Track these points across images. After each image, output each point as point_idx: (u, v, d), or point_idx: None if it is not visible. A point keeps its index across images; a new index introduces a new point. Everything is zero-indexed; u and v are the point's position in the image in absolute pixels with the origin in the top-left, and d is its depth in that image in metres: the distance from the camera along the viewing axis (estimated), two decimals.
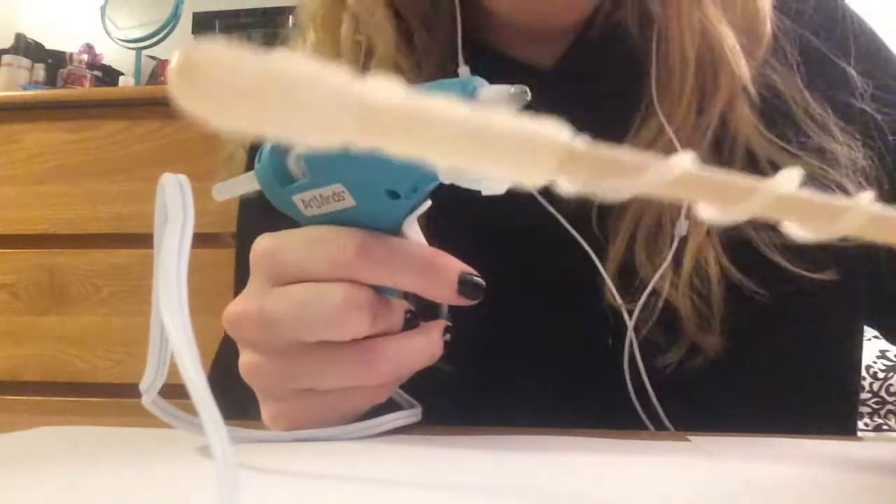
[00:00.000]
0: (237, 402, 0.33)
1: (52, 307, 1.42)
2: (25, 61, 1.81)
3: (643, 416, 0.41)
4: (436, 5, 0.46)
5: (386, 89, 0.10)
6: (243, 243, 0.32)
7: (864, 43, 0.47)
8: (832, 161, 0.41)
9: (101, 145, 1.41)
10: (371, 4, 0.45)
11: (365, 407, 0.32)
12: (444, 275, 0.30)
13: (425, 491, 0.21)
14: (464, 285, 0.30)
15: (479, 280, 0.30)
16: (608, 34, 0.44)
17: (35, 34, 1.93)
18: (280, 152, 0.32)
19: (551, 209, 0.43)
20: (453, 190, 0.29)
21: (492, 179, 0.27)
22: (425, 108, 0.10)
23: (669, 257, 0.41)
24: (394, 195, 0.30)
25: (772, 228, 0.40)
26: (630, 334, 0.41)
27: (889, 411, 1.62)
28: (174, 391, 0.27)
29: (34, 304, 1.43)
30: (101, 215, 1.41)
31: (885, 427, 1.60)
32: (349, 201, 0.30)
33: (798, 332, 0.42)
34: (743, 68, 0.41)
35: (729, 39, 0.41)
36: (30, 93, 1.61)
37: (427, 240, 0.32)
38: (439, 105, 0.10)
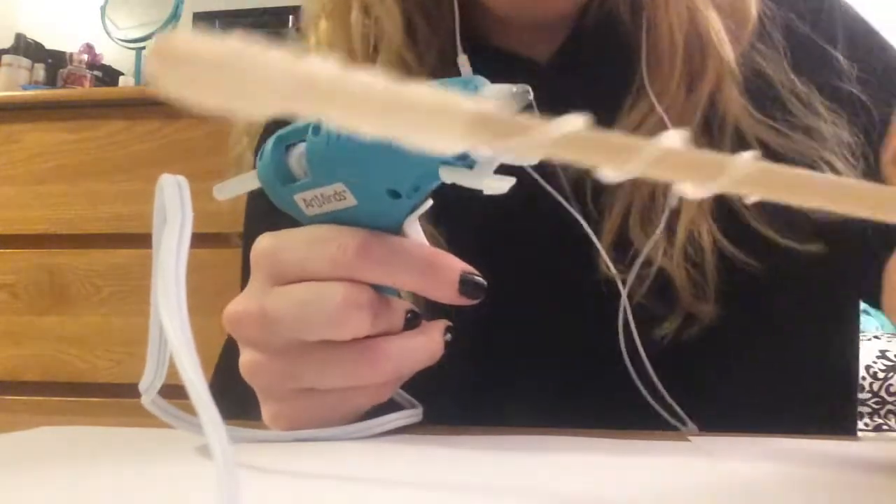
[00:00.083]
0: (240, 403, 0.33)
1: (52, 307, 1.42)
2: (25, 61, 1.81)
3: (641, 389, 0.41)
4: (437, 1, 0.47)
5: (320, 64, 0.12)
6: (249, 243, 0.32)
7: (851, 26, 0.48)
8: (819, 138, 0.43)
9: (101, 145, 1.42)
10: None
11: (366, 406, 0.32)
12: (445, 274, 0.30)
13: (425, 491, 0.21)
14: (465, 285, 0.30)
15: (481, 280, 0.30)
16: (602, 24, 0.46)
17: (35, 34, 1.93)
18: (282, 151, 0.32)
19: (545, 184, 0.43)
20: (455, 189, 0.29)
21: (493, 179, 0.27)
22: (351, 79, 0.12)
23: (661, 226, 0.42)
24: (395, 195, 0.30)
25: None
26: (624, 300, 0.41)
27: (889, 411, 1.62)
28: (174, 391, 0.27)
29: (34, 304, 1.43)
30: (101, 215, 1.41)
31: (885, 427, 1.60)
32: (350, 200, 0.30)
33: (791, 304, 0.43)
34: (729, 51, 0.43)
35: (715, 23, 0.42)
36: (30, 93, 1.61)
37: (427, 239, 0.32)
38: (363, 76, 0.12)
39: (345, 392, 0.31)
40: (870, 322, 1.76)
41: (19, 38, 1.86)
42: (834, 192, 0.15)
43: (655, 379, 0.41)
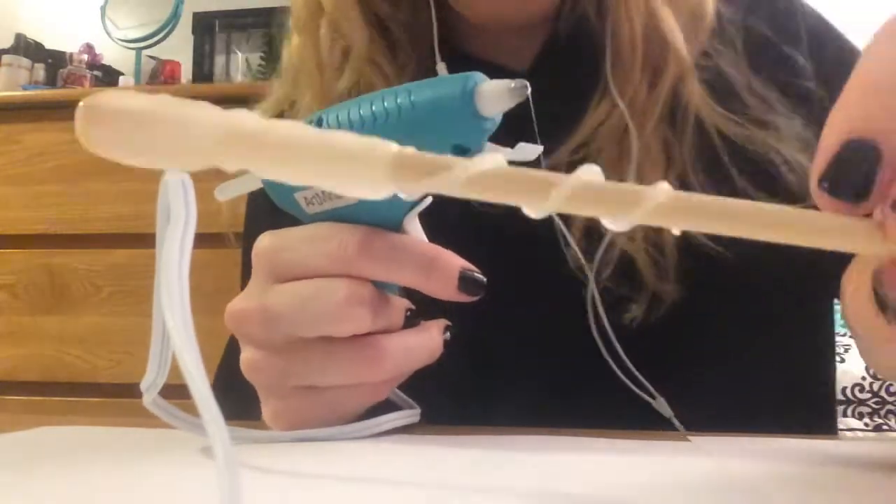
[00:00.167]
0: (242, 403, 0.33)
1: (52, 307, 1.42)
2: (25, 61, 1.81)
3: (612, 365, 0.42)
4: (416, 12, 0.49)
5: (245, 117, 0.12)
6: (249, 243, 0.32)
7: (814, 28, 0.50)
8: (773, 129, 0.45)
9: None
10: (347, 10, 0.47)
11: (365, 405, 0.32)
12: (445, 271, 0.30)
13: (425, 491, 0.21)
14: (464, 282, 0.30)
15: (480, 276, 0.31)
16: (574, 28, 0.47)
17: (35, 34, 1.93)
18: None
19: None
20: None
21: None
22: (275, 131, 0.12)
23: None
24: None
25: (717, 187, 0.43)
26: (591, 286, 0.42)
27: (889, 411, 1.62)
28: (174, 392, 0.27)
29: (34, 304, 1.43)
30: (101, 215, 1.41)
31: (885, 427, 1.60)
32: (351, 198, 0.30)
33: (760, 291, 0.44)
34: (685, 47, 0.45)
35: (670, 21, 0.45)
36: (30, 93, 1.61)
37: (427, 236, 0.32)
38: (287, 127, 0.12)
39: (344, 390, 0.31)
40: None
41: (19, 38, 1.86)
42: (756, 220, 0.15)
43: (623, 354, 0.42)
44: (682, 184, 0.44)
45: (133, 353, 1.36)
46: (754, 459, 0.26)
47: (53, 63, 1.86)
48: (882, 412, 1.62)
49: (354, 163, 0.13)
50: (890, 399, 1.61)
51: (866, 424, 1.60)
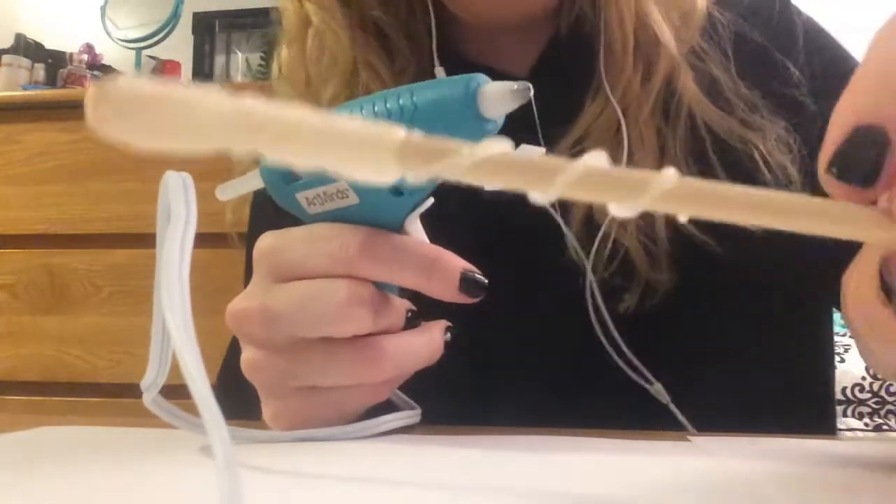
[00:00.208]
0: (243, 404, 0.33)
1: (52, 307, 1.42)
2: (25, 61, 1.81)
3: (610, 352, 0.42)
4: (413, 16, 0.49)
5: (254, 101, 0.12)
6: (252, 243, 0.32)
7: (810, 38, 0.50)
8: (758, 130, 0.45)
9: (101, 145, 1.40)
10: (332, 23, 0.48)
11: (366, 405, 0.32)
12: (446, 272, 0.30)
13: (425, 491, 0.21)
14: (465, 283, 0.30)
15: (481, 278, 0.31)
16: (573, 29, 0.48)
17: (35, 34, 1.93)
18: None
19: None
20: (457, 189, 0.29)
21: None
22: (283, 113, 0.12)
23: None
24: (397, 192, 0.30)
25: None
26: (589, 276, 0.43)
27: (889, 411, 1.62)
28: (174, 392, 0.27)
29: (34, 304, 1.43)
30: (101, 215, 1.41)
31: (885, 427, 1.60)
32: (352, 198, 0.30)
33: (752, 280, 0.44)
34: (673, 42, 0.46)
35: (656, 15, 0.46)
36: (30, 93, 1.61)
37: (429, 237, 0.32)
38: (295, 110, 0.12)
39: (345, 390, 0.31)
40: None
41: (19, 38, 1.86)
42: (763, 207, 0.15)
43: (620, 341, 0.42)
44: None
45: (133, 353, 1.36)
46: (754, 459, 0.26)
47: (53, 63, 1.86)
48: (882, 412, 1.62)
49: (363, 146, 0.13)
50: (890, 399, 1.61)
51: (866, 424, 1.60)
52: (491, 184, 0.14)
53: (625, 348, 0.42)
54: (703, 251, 0.42)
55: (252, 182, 0.33)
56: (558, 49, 0.49)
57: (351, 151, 0.13)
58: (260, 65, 1.88)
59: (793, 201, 0.15)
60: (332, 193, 0.31)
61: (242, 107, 0.12)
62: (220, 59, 2.04)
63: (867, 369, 1.60)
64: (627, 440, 0.29)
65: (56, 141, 1.43)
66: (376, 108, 0.29)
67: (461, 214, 0.38)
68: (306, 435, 0.31)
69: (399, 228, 0.31)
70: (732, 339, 0.44)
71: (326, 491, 0.21)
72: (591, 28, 0.47)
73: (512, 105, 0.28)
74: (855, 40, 0.52)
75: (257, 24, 1.94)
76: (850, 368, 1.59)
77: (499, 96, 0.28)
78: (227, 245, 0.57)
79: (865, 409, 1.62)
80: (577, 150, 0.45)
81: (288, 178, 0.32)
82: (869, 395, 1.61)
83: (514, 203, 0.46)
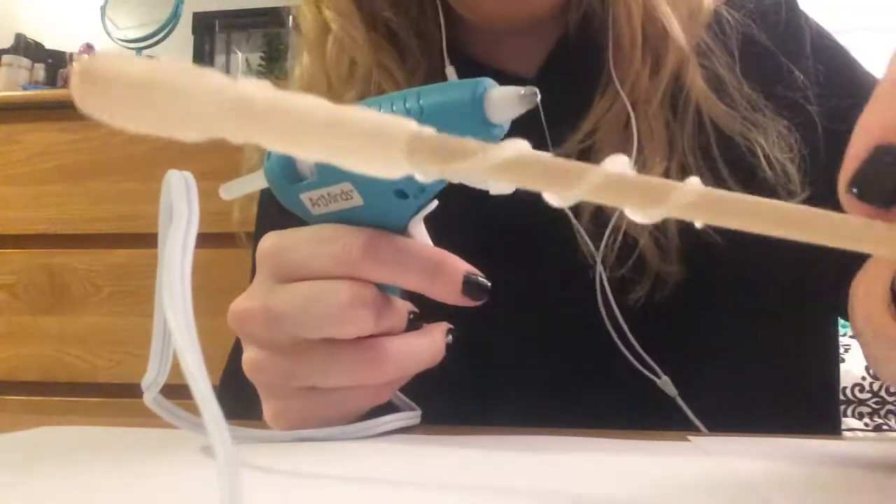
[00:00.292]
0: (245, 404, 0.33)
1: (52, 307, 1.42)
2: (25, 61, 1.81)
3: (619, 344, 0.43)
4: (422, 16, 0.50)
5: (256, 86, 0.11)
6: (257, 243, 0.32)
7: (818, 45, 0.50)
8: (760, 128, 0.46)
9: (101, 145, 1.41)
10: (351, 29, 0.48)
11: (367, 406, 0.32)
12: (450, 275, 0.30)
13: (425, 491, 0.21)
14: (469, 286, 0.30)
15: (484, 281, 0.31)
16: (582, 27, 0.48)
17: (35, 34, 1.93)
18: None
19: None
20: (461, 189, 0.29)
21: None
22: (289, 102, 0.11)
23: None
24: (402, 195, 0.30)
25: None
26: (599, 267, 0.43)
27: (889, 411, 1.62)
28: (175, 392, 0.27)
29: (34, 304, 1.43)
30: (101, 215, 1.41)
31: (885, 427, 1.60)
32: (357, 200, 0.30)
33: (755, 276, 0.44)
34: (682, 36, 0.46)
35: (664, 7, 0.46)
36: (30, 93, 1.61)
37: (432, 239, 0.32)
38: (302, 99, 0.11)
39: (346, 391, 0.31)
40: None
41: (19, 38, 1.86)
42: (781, 219, 0.15)
43: (629, 333, 0.43)
44: (682, 167, 0.45)
45: (133, 353, 1.36)
46: (754, 459, 0.26)
47: (53, 63, 1.86)
48: (882, 412, 1.62)
49: (370, 139, 0.12)
50: (890, 399, 1.61)
51: (866, 424, 1.60)
52: (509, 186, 0.13)
53: (633, 341, 0.43)
54: (712, 245, 0.42)
55: (256, 182, 0.33)
56: (567, 48, 0.49)
57: (358, 143, 0.12)
58: (260, 65, 1.88)
59: (810, 215, 0.15)
60: (337, 195, 0.31)
61: (242, 94, 0.11)
62: (220, 59, 2.04)
63: (867, 369, 1.60)
64: (627, 440, 0.29)
65: (56, 141, 1.43)
66: (382, 111, 0.30)
67: (464, 214, 0.38)
68: (306, 435, 0.31)
69: (403, 231, 0.31)
70: (738, 335, 0.44)
71: (326, 491, 0.21)
72: (599, 24, 0.47)
73: (519, 110, 0.28)
74: (862, 41, 0.52)
75: (257, 24, 1.94)
76: (850, 368, 1.59)
77: (505, 102, 0.27)
78: (230, 245, 0.57)
79: (865, 409, 1.62)
80: (586, 145, 0.45)
81: (292, 179, 0.32)
82: (869, 395, 1.61)
83: (518, 201, 0.46)
